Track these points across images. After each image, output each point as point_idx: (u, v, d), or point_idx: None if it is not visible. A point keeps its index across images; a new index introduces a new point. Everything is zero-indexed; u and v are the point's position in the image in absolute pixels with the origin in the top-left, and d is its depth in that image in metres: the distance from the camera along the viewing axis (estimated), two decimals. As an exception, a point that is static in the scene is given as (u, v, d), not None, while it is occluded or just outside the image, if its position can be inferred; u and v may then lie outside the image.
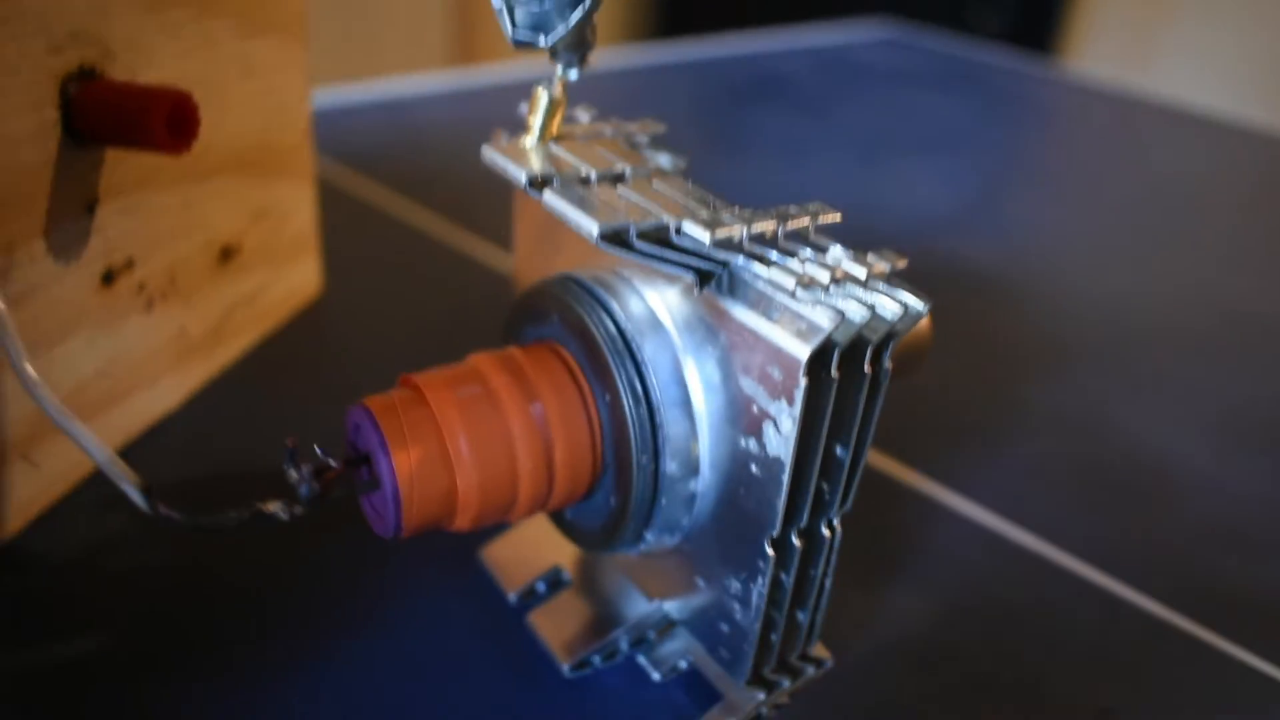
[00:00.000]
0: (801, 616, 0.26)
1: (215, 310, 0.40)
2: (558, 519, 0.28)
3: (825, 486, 0.24)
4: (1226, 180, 0.81)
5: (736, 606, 0.26)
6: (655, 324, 0.25)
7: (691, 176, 0.27)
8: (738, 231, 0.22)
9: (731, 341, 0.23)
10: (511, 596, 0.31)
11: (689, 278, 0.23)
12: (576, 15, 0.24)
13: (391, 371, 0.42)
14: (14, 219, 0.29)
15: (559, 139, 0.27)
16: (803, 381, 0.21)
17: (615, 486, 0.25)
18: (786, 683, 0.28)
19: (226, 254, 0.40)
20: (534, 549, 0.32)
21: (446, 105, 0.79)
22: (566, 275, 0.26)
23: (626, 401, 0.24)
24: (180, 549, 0.32)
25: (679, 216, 0.23)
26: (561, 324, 0.26)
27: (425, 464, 0.23)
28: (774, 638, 0.26)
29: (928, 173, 0.74)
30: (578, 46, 0.25)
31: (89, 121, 0.30)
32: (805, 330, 0.21)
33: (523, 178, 0.24)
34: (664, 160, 0.28)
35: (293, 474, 0.23)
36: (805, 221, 0.23)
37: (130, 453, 0.36)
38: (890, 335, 0.22)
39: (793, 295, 0.21)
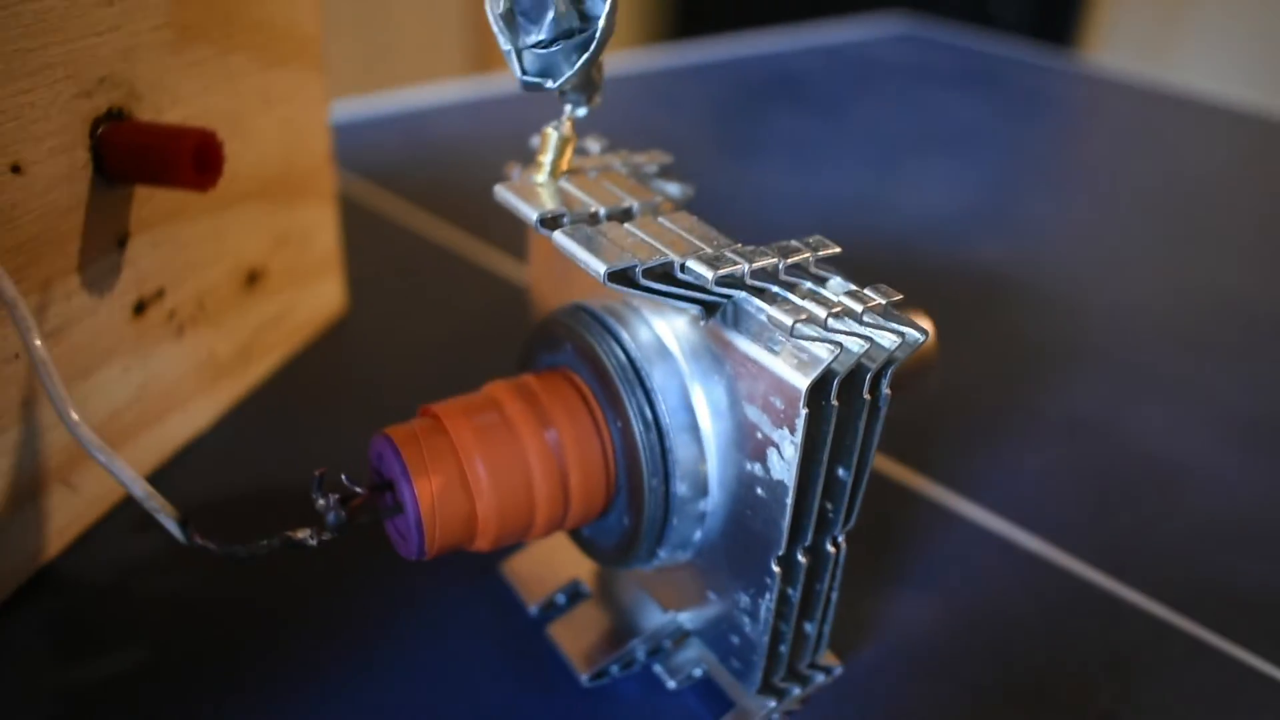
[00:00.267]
0: (809, 628, 0.28)
1: (243, 333, 0.41)
2: (576, 536, 0.30)
3: (829, 506, 0.25)
4: (1249, 173, 0.81)
5: (746, 619, 0.27)
6: (664, 352, 0.26)
7: (698, 204, 0.28)
8: (740, 268, 0.23)
9: (736, 371, 0.24)
10: (532, 609, 0.32)
11: (695, 311, 0.24)
12: (582, 60, 0.25)
13: (415, 386, 0.43)
14: (49, 257, 0.31)
15: (570, 173, 0.28)
16: (803, 411, 0.22)
17: (629, 507, 0.26)
18: (796, 690, 0.29)
19: (253, 278, 0.41)
20: (553, 563, 0.33)
21: (462, 116, 0.80)
22: (578, 305, 0.27)
23: (637, 427, 0.25)
24: (212, 568, 0.33)
25: (683, 254, 0.24)
26: (574, 352, 0.27)
27: (446, 490, 0.24)
28: (783, 648, 0.27)
29: (944, 171, 0.74)
30: (584, 88, 0.26)
31: (118, 161, 0.32)
32: (805, 361, 0.22)
33: (534, 217, 0.25)
34: (673, 190, 0.29)
35: (320, 502, 0.24)
36: (806, 255, 0.24)
37: (163, 474, 0.37)
38: (889, 363, 0.23)
39: (791, 333, 0.22)
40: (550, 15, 0.24)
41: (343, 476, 0.25)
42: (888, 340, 0.23)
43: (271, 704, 0.29)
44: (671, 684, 0.30)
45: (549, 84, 0.25)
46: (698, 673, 0.30)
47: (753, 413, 0.24)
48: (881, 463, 0.41)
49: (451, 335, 0.48)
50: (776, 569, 0.25)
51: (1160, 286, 0.58)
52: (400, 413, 0.31)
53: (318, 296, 0.46)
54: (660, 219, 0.26)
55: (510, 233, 0.58)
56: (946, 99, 0.93)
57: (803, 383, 0.22)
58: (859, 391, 0.23)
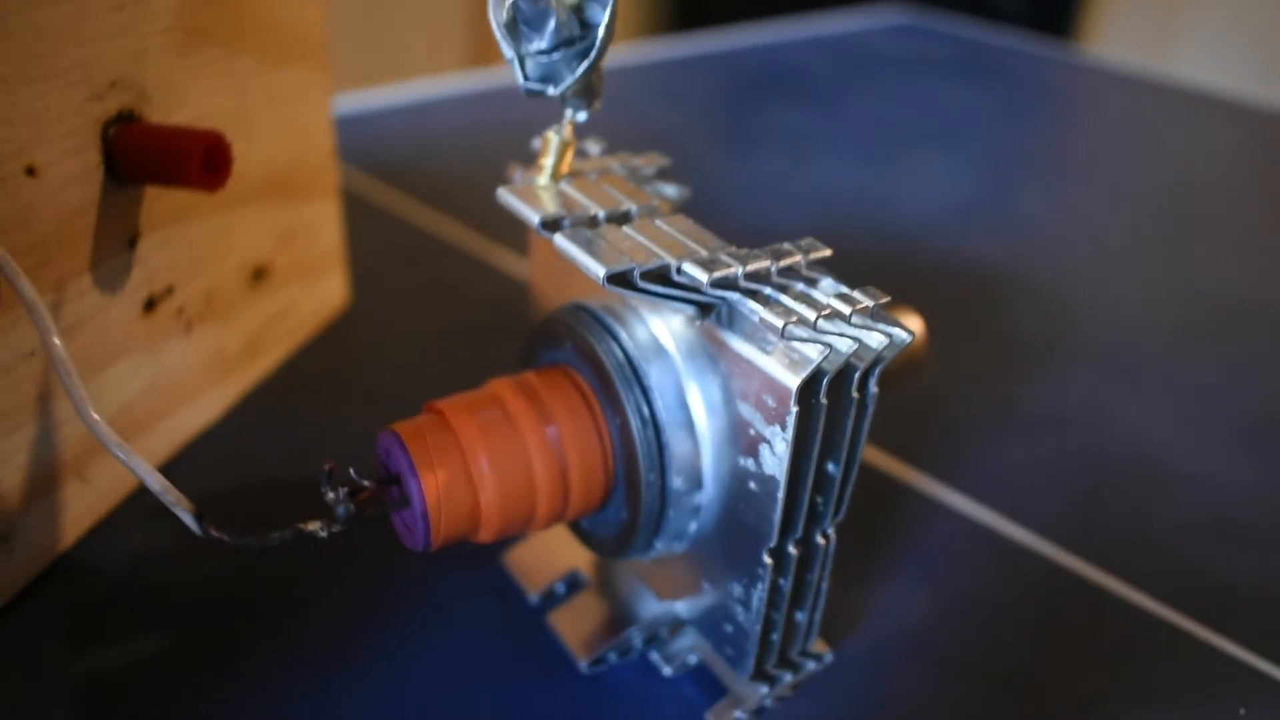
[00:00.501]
0: (800, 616, 0.28)
1: (249, 328, 0.42)
2: (575, 528, 0.31)
3: (819, 500, 0.26)
4: (1247, 166, 0.81)
5: (739, 609, 0.28)
6: (660, 351, 0.27)
7: (696, 198, 0.29)
8: (734, 271, 0.24)
9: (730, 369, 0.25)
10: (532, 598, 0.33)
11: (690, 311, 0.25)
12: (583, 67, 0.26)
13: (417, 378, 0.44)
14: (63, 257, 0.31)
15: (570, 176, 0.29)
16: (794, 409, 0.23)
17: (626, 500, 0.27)
18: (789, 677, 0.30)
19: (259, 274, 0.42)
20: (553, 554, 0.34)
21: (462, 109, 0.81)
22: (578, 304, 0.28)
23: (635, 423, 0.26)
24: (222, 558, 0.34)
25: (680, 256, 0.25)
26: (574, 351, 0.28)
27: (451, 484, 0.25)
28: (774, 636, 0.28)
29: (941, 164, 0.75)
30: (585, 93, 0.27)
31: (129, 163, 0.33)
32: (796, 361, 0.23)
33: (536, 220, 0.26)
34: (670, 191, 0.30)
35: (330, 495, 0.25)
36: (798, 258, 0.25)
37: (173, 466, 0.38)
38: (876, 362, 0.24)
39: (782, 335, 0.23)
40: (552, 24, 0.25)
41: (351, 471, 0.26)
42: (875, 341, 0.24)
43: (282, 688, 0.30)
44: (667, 671, 0.31)
45: (551, 90, 0.26)
46: (693, 660, 0.31)
47: (746, 410, 0.25)
48: (873, 455, 0.42)
49: (452, 328, 0.49)
50: (768, 560, 0.26)
51: (1154, 281, 0.59)
52: (403, 405, 0.31)
53: (322, 291, 0.47)
54: (657, 222, 0.27)
55: (510, 227, 0.59)
56: (945, 90, 0.93)
57: (794, 382, 0.23)
58: (848, 390, 0.24)
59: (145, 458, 0.36)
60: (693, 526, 0.28)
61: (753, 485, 0.25)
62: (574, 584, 0.33)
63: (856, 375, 0.24)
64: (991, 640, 0.33)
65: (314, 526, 0.25)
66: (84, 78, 0.31)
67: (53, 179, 0.30)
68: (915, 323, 0.31)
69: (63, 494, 0.33)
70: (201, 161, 0.32)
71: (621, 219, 0.27)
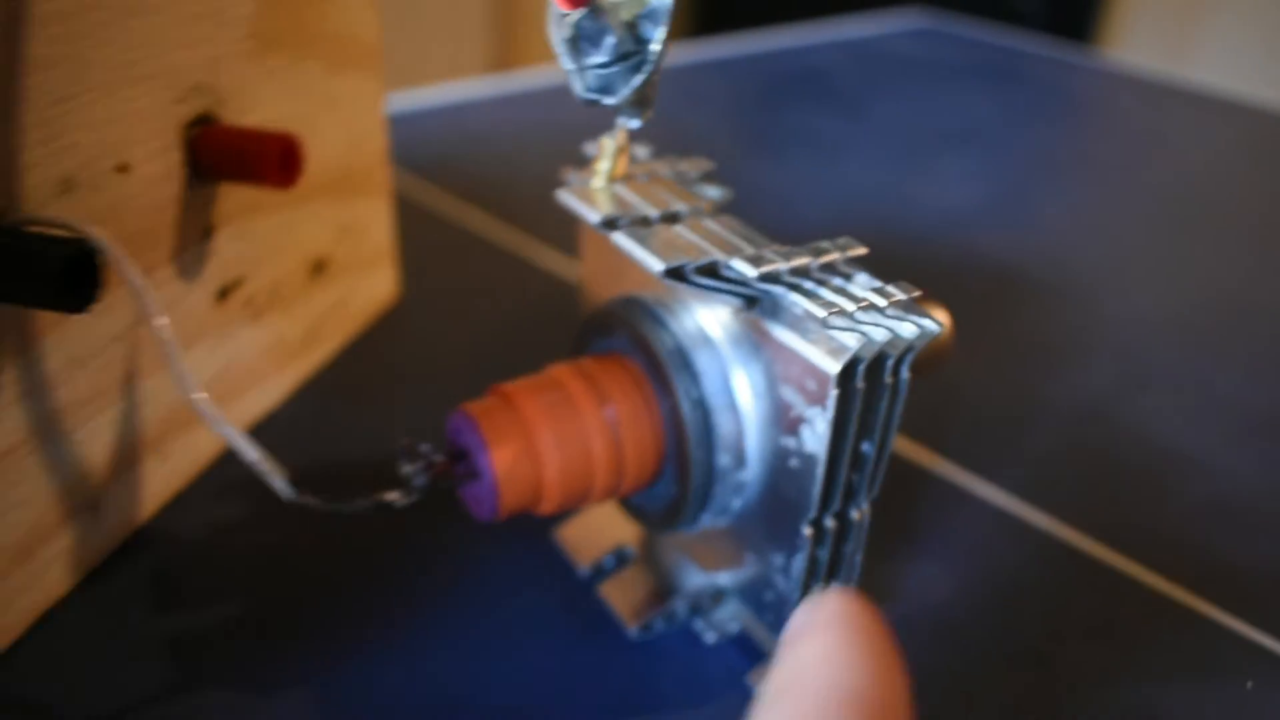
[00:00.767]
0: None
1: (309, 318, 0.44)
2: (626, 503, 0.33)
3: (855, 478, 0.28)
4: (1265, 170, 0.83)
5: (779, 578, 0.30)
6: (708, 339, 0.29)
7: (737, 204, 0.32)
8: (779, 267, 0.26)
9: (773, 356, 0.28)
10: (583, 571, 0.35)
11: (737, 303, 0.28)
12: (638, 79, 0.28)
13: (462, 367, 0.47)
14: (149, 249, 0.34)
15: (623, 179, 0.31)
16: (833, 392, 0.26)
17: (676, 477, 0.30)
18: (823, 644, 0.32)
19: (318, 267, 0.44)
20: (601, 529, 0.36)
21: (495, 110, 0.83)
22: (631, 297, 0.31)
23: (685, 406, 0.29)
24: (288, 530, 0.37)
25: (728, 253, 0.27)
26: (628, 339, 0.30)
27: (518, 459, 0.28)
28: (811, 605, 0.30)
29: (961, 167, 0.77)
30: (639, 103, 0.29)
31: (209, 162, 0.35)
32: (836, 349, 0.26)
33: (596, 220, 0.29)
34: (713, 193, 0.32)
35: (407, 468, 0.28)
36: (835, 255, 0.27)
37: (241, 446, 0.41)
38: (908, 350, 0.27)
39: (823, 324, 0.25)
40: (610, 40, 0.28)
41: (423, 446, 0.28)
42: (908, 331, 0.26)
43: (354, 650, 0.32)
44: (710, 637, 0.33)
45: (608, 100, 0.29)
46: (734, 627, 0.33)
47: (788, 393, 0.27)
48: (902, 445, 0.44)
49: (493, 319, 0.51)
50: (808, 532, 0.28)
51: (1169, 281, 0.61)
52: (450, 390, 0.34)
53: (374, 284, 0.50)
54: (706, 221, 0.29)
55: (547, 223, 0.61)
56: (964, 94, 0.95)
57: (834, 367, 0.25)
58: (882, 375, 0.27)
59: (215, 438, 0.39)
60: (736, 502, 0.30)
61: (794, 462, 0.28)
62: (621, 558, 0.36)
63: (890, 361, 0.26)
64: (1010, 619, 0.35)
65: (393, 496, 0.27)
66: (169, 83, 0.34)
67: (141, 176, 0.33)
68: (943, 315, 0.34)
69: (143, 468, 0.36)
70: (278, 161, 0.34)
71: (672, 219, 0.30)
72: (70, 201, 0.30)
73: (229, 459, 0.40)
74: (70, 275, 0.26)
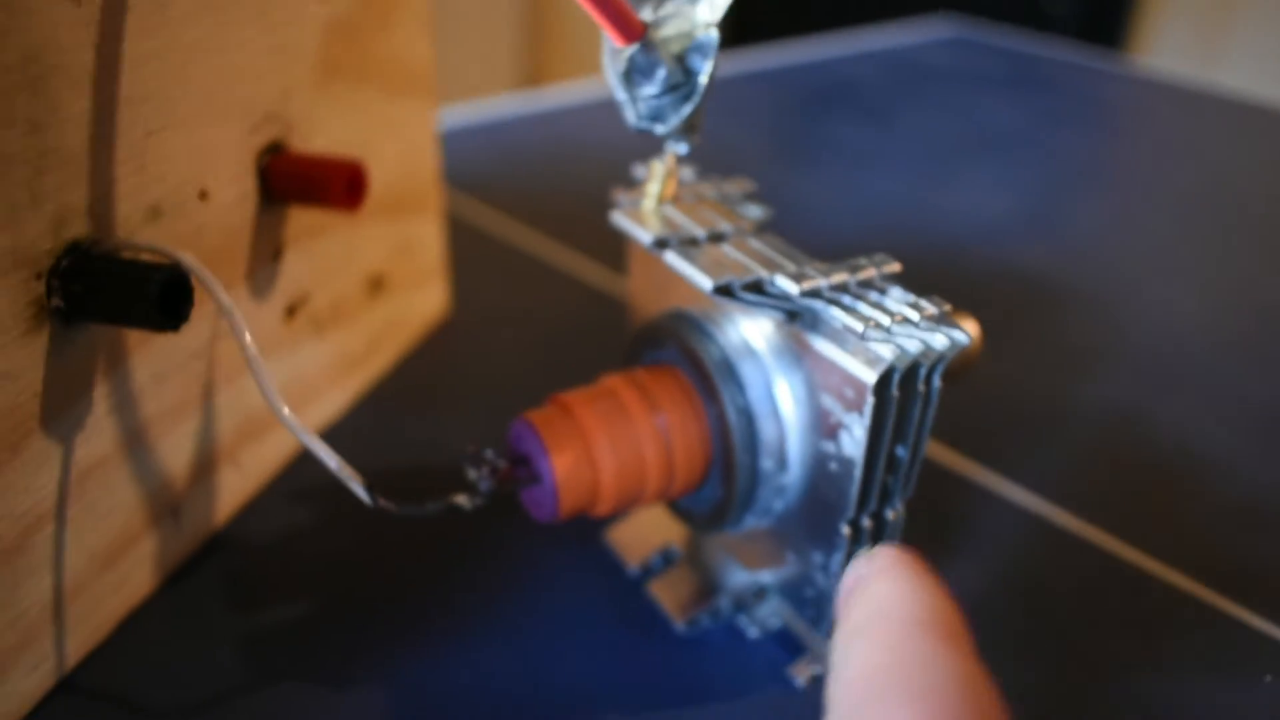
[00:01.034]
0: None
1: (367, 332, 0.47)
2: (674, 505, 0.35)
3: (890, 480, 0.30)
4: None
5: (819, 575, 0.32)
6: (751, 351, 0.31)
7: (775, 223, 0.34)
8: (819, 283, 0.28)
9: (813, 366, 0.30)
10: (632, 570, 0.37)
11: (780, 317, 0.30)
12: (687, 109, 0.30)
13: (511, 378, 0.49)
14: (226, 269, 0.36)
15: (671, 200, 0.33)
16: (870, 400, 0.27)
17: (722, 480, 0.32)
18: (861, 638, 0.34)
19: (376, 284, 0.47)
20: (649, 530, 0.38)
21: (533, 126, 0.86)
22: (679, 311, 0.33)
23: (730, 413, 0.31)
24: (357, 534, 0.39)
25: (772, 271, 0.29)
26: (677, 351, 0.32)
27: (576, 464, 0.30)
28: (851, 600, 0.32)
29: (992, 177, 0.79)
30: (687, 130, 0.31)
31: (280, 187, 0.37)
32: (872, 359, 0.28)
33: (649, 240, 0.31)
34: (755, 212, 0.35)
35: (472, 473, 0.30)
36: (871, 272, 0.29)
37: (306, 455, 0.43)
38: (940, 360, 0.28)
39: (861, 337, 0.27)
40: (661, 73, 0.30)
41: (487, 452, 0.30)
42: (939, 342, 0.28)
43: (419, 646, 0.34)
44: (753, 632, 0.35)
45: (659, 128, 0.31)
46: (775, 623, 0.35)
47: (827, 401, 0.29)
48: (934, 449, 0.46)
49: (539, 332, 0.53)
50: (846, 531, 0.30)
51: (1198, 288, 0.62)
52: (500, 398, 0.35)
53: (427, 300, 0.52)
54: (750, 240, 0.31)
55: (589, 237, 0.63)
56: (995, 102, 0.96)
57: (871, 377, 0.27)
58: (916, 384, 0.29)
59: (283, 448, 0.41)
60: (778, 504, 0.32)
61: (833, 466, 0.30)
62: (669, 557, 0.38)
63: (923, 371, 0.28)
64: (1036, 615, 0.37)
65: (461, 499, 0.29)
66: (244, 113, 0.36)
67: (219, 202, 0.35)
68: (973, 326, 0.35)
69: (219, 476, 0.38)
70: (345, 186, 0.37)
71: (718, 238, 0.32)
72: (157, 228, 0.32)
73: (296, 468, 0.42)
74: (166, 297, 0.28)
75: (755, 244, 0.31)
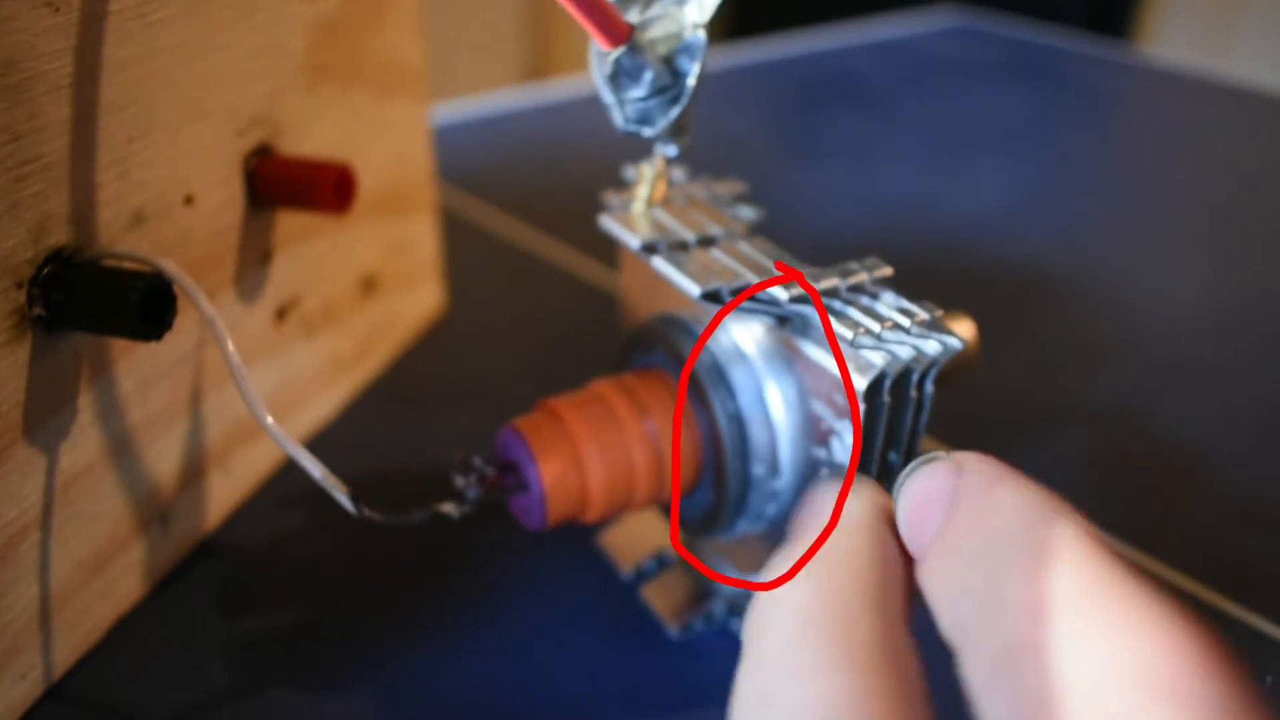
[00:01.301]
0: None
1: (360, 333, 0.46)
2: (667, 511, 0.35)
3: (884, 485, 0.30)
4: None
5: (813, 582, 0.31)
6: (742, 355, 0.31)
7: (771, 210, 0.33)
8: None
9: (804, 371, 0.29)
10: (625, 574, 0.37)
11: (770, 322, 0.29)
12: (675, 111, 0.30)
13: (507, 378, 0.48)
14: (213, 274, 0.36)
15: (661, 203, 0.33)
16: (861, 407, 0.27)
17: (713, 485, 0.31)
18: (856, 643, 0.33)
19: (368, 285, 0.46)
20: (643, 534, 0.38)
21: (530, 121, 0.85)
22: (669, 315, 0.32)
23: (721, 418, 0.30)
24: (346, 540, 0.39)
25: (761, 276, 0.29)
26: (666, 355, 0.32)
27: (564, 471, 0.30)
28: (844, 606, 0.32)
29: (994, 168, 0.78)
30: (675, 133, 0.31)
31: (268, 190, 0.37)
32: (863, 366, 0.27)
33: (637, 245, 0.30)
34: (746, 213, 0.34)
35: (460, 480, 0.29)
36: (863, 276, 0.29)
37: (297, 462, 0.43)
38: (932, 365, 0.28)
39: (852, 344, 0.27)
40: (649, 75, 0.29)
41: (475, 459, 0.30)
42: (932, 348, 0.27)
43: (408, 653, 0.34)
44: (747, 637, 0.35)
45: (647, 131, 0.30)
46: (770, 628, 0.35)
47: (818, 406, 0.29)
48: (930, 447, 0.45)
49: (534, 330, 0.53)
50: (839, 537, 0.30)
51: (1202, 281, 0.62)
52: (494, 400, 0.35)
53: (421, 299, 0.52)
54: (740, 244, 0.31)
55: (586, 234, 0.63)
56: (998, 93, 0.96)
57: (861, 383, 0.27)
58: (907, 390, 0.28)
59: (273, 453, 0.41)
60: (771, 509, 0.32)
61: (825, 472, 0.29)
62: (662, 561, 0.37)
63: (915, 377, 0.28)
64: (1038, 614, 0.37)
65: (448, 507, 0.29)
66: (230, 117, 0.36)
67: (206, 206, 0.35)
68: (968, 328, 0.35)
69: (208, 482, 0.38)
70: (334, 189, 0.36)
71: (708, 242, 0.31)
72: (141, 234, 0.32)
73: (285, 473, 0.42)
74: (147, 306, 0.28)
75: (745, 248, 0.30)
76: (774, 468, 0.31)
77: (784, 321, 0.29)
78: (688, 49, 0.29)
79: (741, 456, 0.30)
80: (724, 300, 0.28)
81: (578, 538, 0.39)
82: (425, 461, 0.43)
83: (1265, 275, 0.63)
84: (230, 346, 0.29)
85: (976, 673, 0.17)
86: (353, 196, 0.37)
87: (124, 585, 0.35)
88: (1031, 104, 0.93)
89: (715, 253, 0.30)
